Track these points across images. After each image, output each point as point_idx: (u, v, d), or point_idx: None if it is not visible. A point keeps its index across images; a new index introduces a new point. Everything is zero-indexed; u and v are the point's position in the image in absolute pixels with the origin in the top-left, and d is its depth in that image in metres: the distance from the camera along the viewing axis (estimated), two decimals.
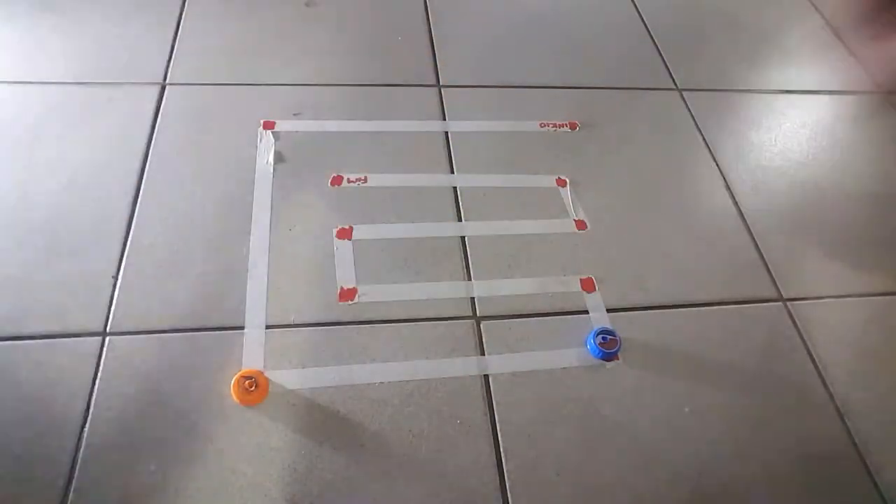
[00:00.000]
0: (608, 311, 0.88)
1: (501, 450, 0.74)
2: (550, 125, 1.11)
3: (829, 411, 0.83)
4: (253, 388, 0.74)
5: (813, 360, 0.88)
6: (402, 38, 1.23)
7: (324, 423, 0.74)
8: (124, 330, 0.78)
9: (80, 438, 0.69)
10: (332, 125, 1.05)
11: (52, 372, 0.73)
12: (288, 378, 0.77)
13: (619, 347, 0.83)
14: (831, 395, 0.84)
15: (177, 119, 1.01)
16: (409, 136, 1.06)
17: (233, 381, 0.75)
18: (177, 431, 0.71)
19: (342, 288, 0.85)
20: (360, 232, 0.91)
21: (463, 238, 0.93)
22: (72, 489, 0.66)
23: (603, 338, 0.83)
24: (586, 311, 0.87)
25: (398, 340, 0.81)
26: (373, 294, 0.85)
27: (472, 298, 0.87)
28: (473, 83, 1.16)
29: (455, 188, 0.99)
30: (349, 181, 0.98)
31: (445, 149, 1.05)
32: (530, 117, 1.12)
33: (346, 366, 0.78)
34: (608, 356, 0.83)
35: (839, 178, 1.12)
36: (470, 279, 0.89)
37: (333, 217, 0.93)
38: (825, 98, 1.28)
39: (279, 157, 0.99)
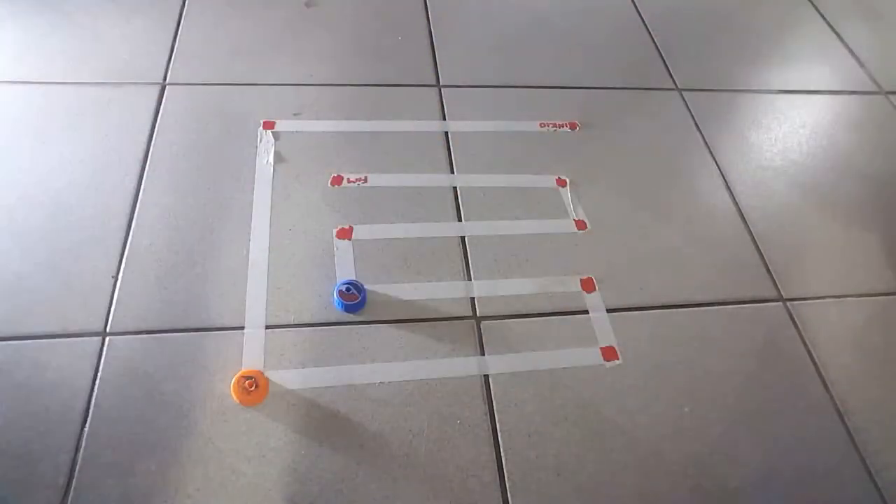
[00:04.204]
0: (608, 311, 0.88)
1: (501, 450, 0.74)
2: (550, 125, 1.11)
3: (829, 411, 0.83)
4: (253, 388, 0.74)
5: (813, 360, 0.87)
6: (402, 38, 1.23)
7: (324, 423, 0.74)
8: (124, 330, 0.78)
9: (80, 438, 0.69)
10: (332, 125, 1.05)
11: (52, 372, 0.73)
12: (288, 378, 0.77)
13: (362, 303, 0.82)
14: (831, 395, 0.84)
15: (177, 119, 1.01)
16: (409, 136, 1.06)
17: (233, 381, 0.75)
18: (177, 431, 0.71)
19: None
20: (360, 232, 0.91)
21: (463, 238, 0.93)
22: (72, 489, 0.66)
23: (346, 288, 0.82)
24: (586, 311, 0.87)
25: (398, 340, 0.81)
26: (373, 293, 0.85)
27: (472, 298, 0.87)
28: (473, 83, 1.16)
29: (455, 188, 0.99)
30: (349, 181, 0.98)
31: (445, 149, 1.05)
32: (530, 117, 1.12)
33: (346, 366, 0.78)
34: (350, 309, 0.82)
35: (839, 178, 1.12)
36: (470, 279, 0.89)
37: (333, 217, 0.93)
38: (825, 98, 1.28)
39: (279, 157, 0.99)
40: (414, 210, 0.95)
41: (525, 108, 1.13)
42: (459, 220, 0.95)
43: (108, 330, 0.78)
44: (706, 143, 1.14)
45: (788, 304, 0.93)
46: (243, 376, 0.75)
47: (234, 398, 0.74)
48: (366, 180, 0.98)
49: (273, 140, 1.01)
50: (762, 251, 0.99)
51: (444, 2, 1.32)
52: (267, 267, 0.86)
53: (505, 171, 1.03)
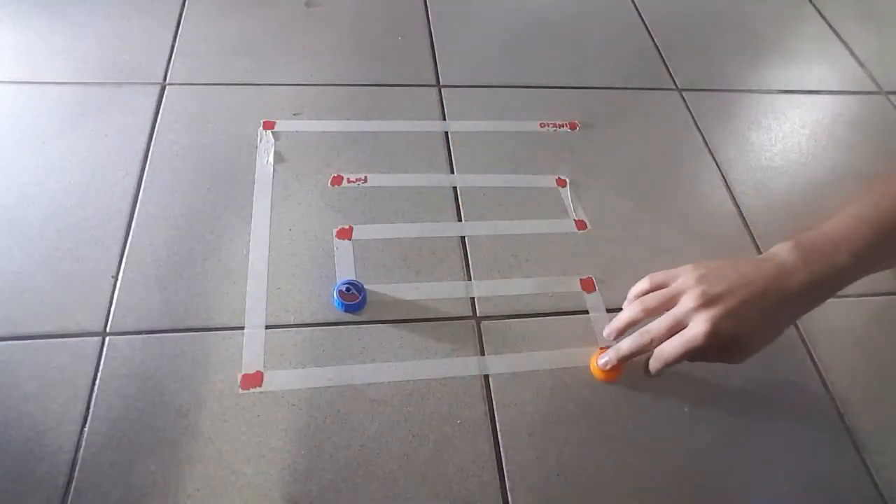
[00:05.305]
0: (608, 311, 0.88)
1: (501, 450, 0.74)
2: (550, 125, 1.11)
3: (830, 411, 0.83)
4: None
5: (813, 360, 0.88)
6: (402, 38, 1.23)
7: (324, 423, 0.74)
8: (124, 330, 0.78)
9: (80, 438, 0.69)
10: (332, 125, 1.05)
11: (52, 372, 0.74)
12: (288, 378, 0.77)
13: (363, 303, 0.83)
14: (831, 396, 0.84)
15: (177, 119, 1.01)
16: (409, 136, 1.06)
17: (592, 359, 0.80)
18: (177, 431, 0.71)
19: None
20: (360, 232, 0.91)
21: (463, 238, 0.93)
22: (72, 489, 0.66)
23: (346, 288, 0.82)
24: (586, 311, 0.87)
25: (398, 340, 0.81)
26: (373, 293, 0.85)
27: (472, 298, 0.87)
28: (473, 83, 1.17)
29: (455, 188, 0.99)
30: (349, 181, 0.98)
31: (445, 149, 1.05)
32: (530, 117, 1.12)
33: (346, 366, 0.78)
34: (350, 309, 0.82)
35: (839, 179, 1.12)
36: (470, 279, 0.89)
37: (333, 217, 0.93)
38: (825, 98, 1.28)
39: (279, 157, 0.99)
40: (414, 210, 0.95)
41: (525, 108, 1.13)
42: (459, 220, 0.95)
43: (108, 330, 0.78)
44: (706, 143, 1.14)
45: None
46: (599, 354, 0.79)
47: (597, 375, 0.80)
48: (366, 180, 0.98)
49: (273, 140, 1.01)
50: (762, 251, 0.98)
51: (444, 2, 1.32)
52: (267, 267, 0.86)
53: (505, 171, 1.03)
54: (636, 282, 0.92)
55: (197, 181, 0.94)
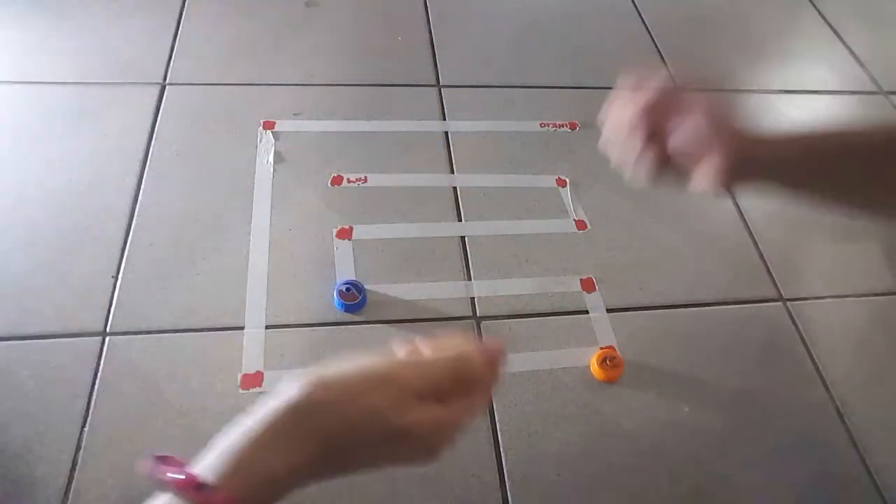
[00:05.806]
0: (608, 311, 0.88)
1: (501, 450, 0.74)
2: (550, 125, 1.11)
3: (829, 411, 0.83)
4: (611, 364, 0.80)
5: (813, 360, 0.87)
6: (402, 38, 1.23)
7: None
8: (124, 330, 0.78)
9: (80, 438, 0.69)
10: (332, 125, 1.05)
11: (52, 372, 0.73)
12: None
13: (363, 303, 0.83)
14: (831, 395, 0.84)
15: (177, 119, 1.01)
16: (409, 136, 1.06)
17: (593, 359, 0.81)
18: (177, 431, 0.71)
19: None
20: (360, 232, 0.91)
21: (463, 238, 0.93)
22: (72, 489, 0.66)
23: (346, 288, 0.82)
24: (586, 311, 0.87)
25: None
26: (373, 293, 0.85)
27: (472, 298, 0.87)
28: (473, 83, 1.16)
29: (455, 188, 0.99)
30: (349, 181, 0.98)
31: (445, 149, 1.05)
32: (530, 117, 1.12)
33: None
34: (350, 309, 0.82)
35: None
36: (470, 279, 0.89)
37: (333, 217, 0.93)
38: (825, 98, 1.28)
39: (279, 157, 0.99)
40: (414, 210, 0.95)
41: (525, 108, 1.13)
42: (459, 220, 0.95)
43: (108, 330, 0.78)
44: None
45: (788, 304, 0.93)
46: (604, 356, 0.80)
47: (597, 375, 0.80)
48: (366, 180, 0.98)
49: (273, 140, 1.01)
50: (762, 251, 0.99)
51: (444, 2, 1.32)
52: (267, 267, 0.86)
53: (505, 171, 1.03)
54: (636, 282, 0.93)
55: (197, 181, 0.94)
